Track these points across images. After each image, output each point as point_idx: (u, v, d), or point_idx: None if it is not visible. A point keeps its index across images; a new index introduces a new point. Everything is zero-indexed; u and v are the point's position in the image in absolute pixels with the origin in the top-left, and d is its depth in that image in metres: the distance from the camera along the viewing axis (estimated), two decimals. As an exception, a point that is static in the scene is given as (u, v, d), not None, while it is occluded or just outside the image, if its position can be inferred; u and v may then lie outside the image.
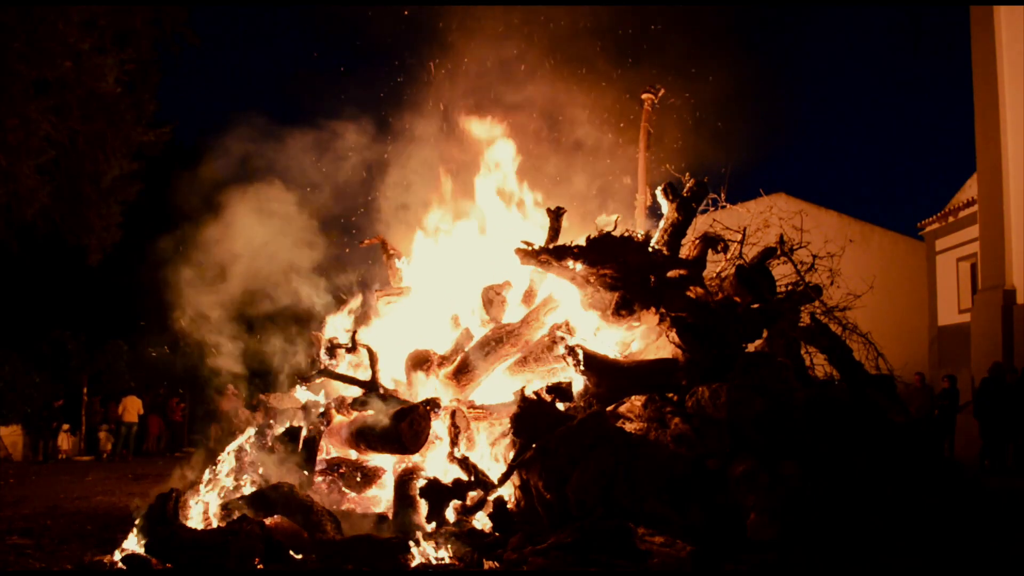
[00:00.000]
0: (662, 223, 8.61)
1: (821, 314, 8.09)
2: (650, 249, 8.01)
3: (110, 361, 21.15)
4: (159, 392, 22.23)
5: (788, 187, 21.87)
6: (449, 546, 5.93)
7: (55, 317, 21.31)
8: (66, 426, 19.80)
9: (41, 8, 14.64)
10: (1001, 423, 13.18)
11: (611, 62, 11.59)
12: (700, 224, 8.79)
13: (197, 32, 18.64)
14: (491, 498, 6.45)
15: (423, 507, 6.41)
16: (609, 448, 6.09)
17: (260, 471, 7.23)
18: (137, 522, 6.47)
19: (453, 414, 7.17)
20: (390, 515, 6.78)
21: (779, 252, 8.39)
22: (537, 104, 10.73)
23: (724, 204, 8.97)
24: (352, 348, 8.19)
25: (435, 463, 7.15)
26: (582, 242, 7.61)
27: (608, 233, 7.62)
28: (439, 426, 7.22)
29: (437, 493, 6.38)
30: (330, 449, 7.93)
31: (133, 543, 6.38)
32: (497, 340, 7.83)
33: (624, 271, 7.53)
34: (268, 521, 6.30)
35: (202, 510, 7.09)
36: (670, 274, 7.98)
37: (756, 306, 7.85)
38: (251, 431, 8.30)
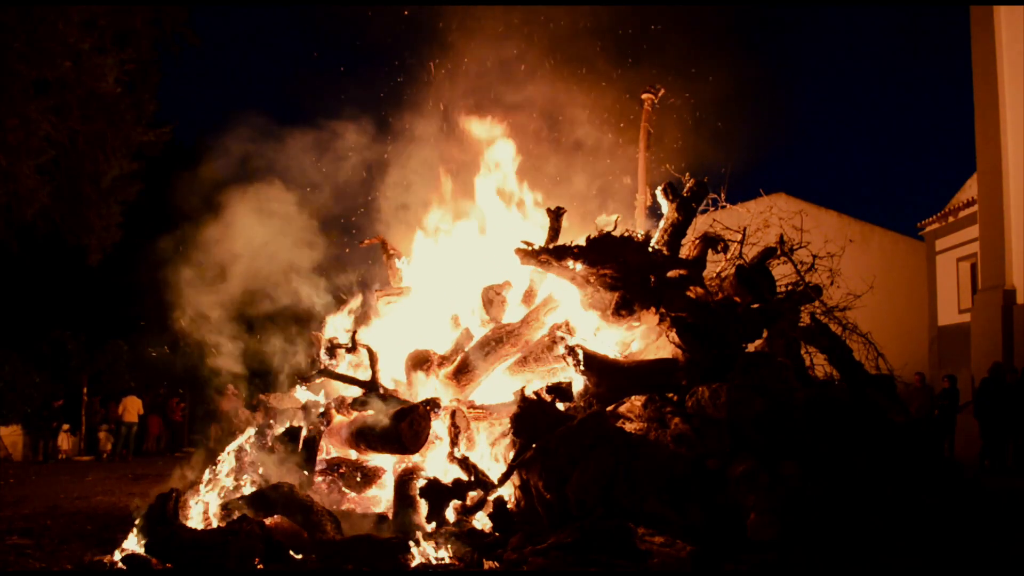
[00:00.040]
0: (662, 223, 8.61)
1: (821, 314, 8.09)
2: (650, 249, 8.01)
3: (110, 361, 21.15)
4: (159, 392, 22.23)
5: (788, 187, 21.90)
6: (449, 546, 5.93)
7: (55, 317, 21.31)
8: (66, 426, 19.80)
9: (41, 8, 14.65)
10: (1001, 423, 13.18)
11: (611, 62, 11.60)
12: (700, 224, 8.79)
13: (197, 32, 18.68)
14: (491, 498, 6.45)
15: (423, 507, 6.41)
16: (609, 448, 6.09)
17: (260, 471, 7.23)
18: (137, 522, 6.47)
19: (453, 414, 7.17)
20: (390, 515, 6.78)
21: (779, 252, 8.39)
22: (537, 104, 10.74)
23: (724, 204, 8.97)
24: (352, 348, 8.19)
25: (435, 463, 7.15)
26: (582, 242, 7.61)
27: (608, 233, 7.62)
28: (439, 426, 7.22)
29: (437, 493, 6.38)
30: (330, 449, 7.93)
31: (133, 543, 6.38)
32: (497, 340, 7.83)
33: (624, 271, 7.53)
34: (268, 521, 6.30)
35: (202, 510, 7.09)
36: (670, 274, 7.98)
37: (756, 306, 7.85)
38: (251, 431, 8.30)
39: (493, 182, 9.82)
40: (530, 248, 7.60)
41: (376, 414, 7.24)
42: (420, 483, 6.58)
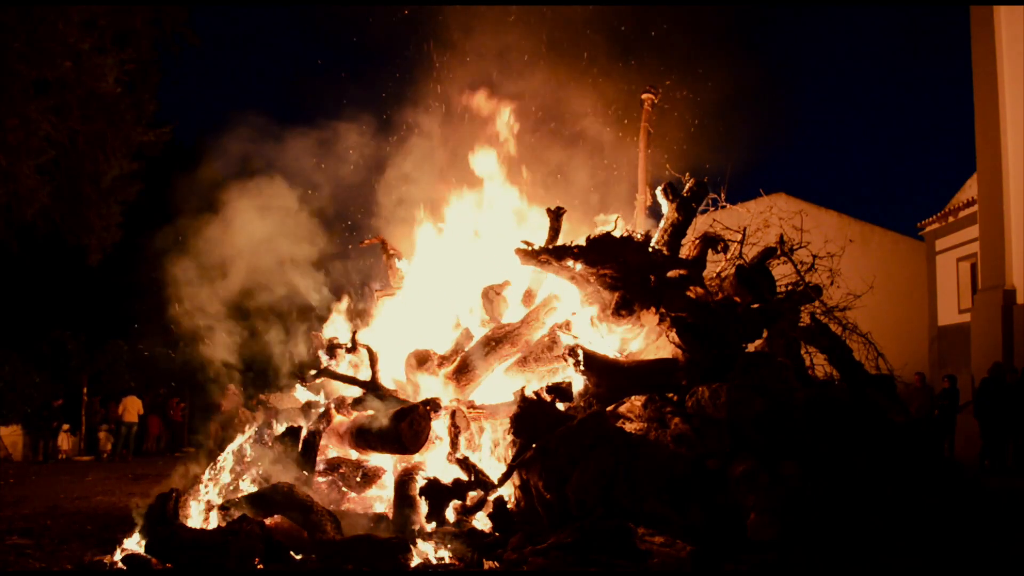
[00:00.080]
0: (662, 223, 8.61)
1: (821, 314, 8.09)
2: (650, 249, 8.01)
3: (110, 361, 21.16)
4: (159, 392, 22.23)
5: (788, 187, 21.90)
6: (449, 546, 5.93)
7: (55, 317, 21.32)
8: (66, 426, 19.81)
9: (41, 8, 14.65)
10: (1001, 423, 13.19)
11: (611, 62, 11.59)
12: (700, 224, 8.79)
13: (197, 32, 18.68)
14: (491, 498, 6.45)
15: (423, 507, 6.41)
16: (609, 448, 6.09)
17: (260, 471, 7.24)
18: (137, 522, 6.47)
19: (453, 414, 7.17)
20: (390, 515, 6.78)
21: (779, 252, 8.39)
22: (537, 104, 10.73)
23: (724, 204, 8.97)
24: (352, 348, 8.19)
25: (435, 463, 7.15)
26: (582, 242, 7.61)
27: (608, 233, 7.62)
28: (439, 426, 7.22)
29: (437, 493, 6.38)
30: (330, 449, 7.93)
31: (133, 543, 6.38)
32: (497, 340, 7.83)
33: (624, 271, 7.54)
34: (268, 521, 6.30)
35: (202, 510, 7.10)
36: (670, 274, 7.98)
37: (756, 306, 7.85)
38: (251, 431, 8.31)
39: (493, 182, 9.82)
40: (530, 248, 7.61)
41: (376, 414, 7.25)
42: (420, 483, 6.58)
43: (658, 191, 8.72)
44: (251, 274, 9.46)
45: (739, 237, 8.56)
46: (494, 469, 6.88)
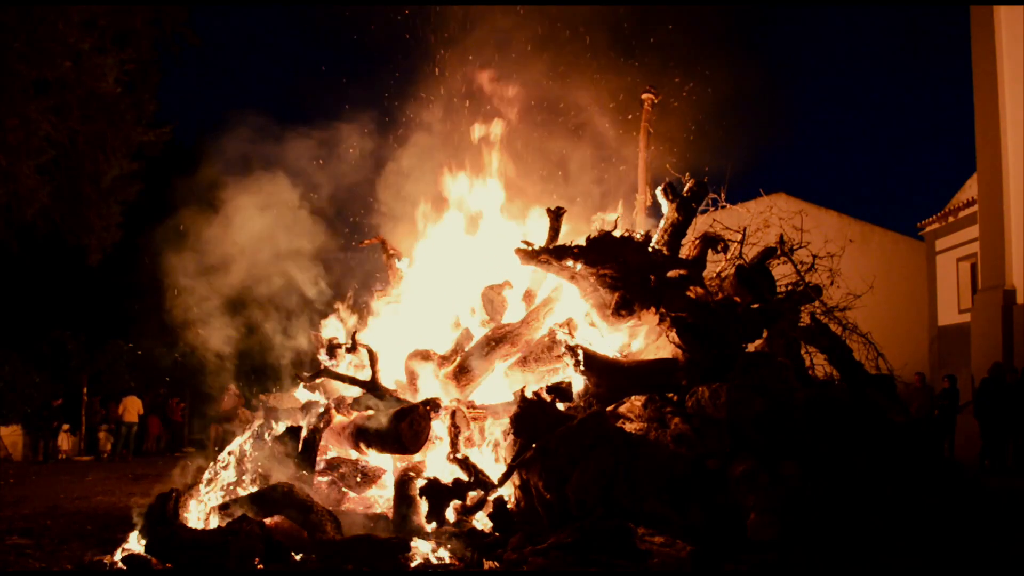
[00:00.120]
0: (662, 223, 8.61)
1: (821, 314, 8.09)
2: (650, 249, 8.00)
3: (110, 361, 21.17)
4: (159, 392, 22.23)
5: (788, 187, 21.89)
6: (449, 546, 5.93)
7: (55, 317, 21.32)
8: (66, 426, 19.81)
9: (41, 8, 14.65)
10: (1001, 423, 13.18)
11: (611, 62, 11.59)
12: (700, 224, 8.79)
13: (197, 32, 18.69)
14: (491, 498, 6.45)
15: (423, 507, 6.41)
16: (609, 448, 6.09)
17: (260, 471, 7.24)
18: (137, 522, 6.47)
19: (453, 414, 7.17)
20: (390, 515, 6.78)
21: (779, 252, 8.39)
22: (537, 104, 10.74)
23: (724, 204, 8.96)
24: (352, 348, 8.19)
25: (435, 463, 7.16)
26: (582, 242, 7.61)
27: (608, 233, 7.62)
28: (439, 426, 7.22)
29: (437, 493, 6.38)
30: (330, 449, 7.93)
31: (133, 543, 6.38)
32: (497, 340, 7.84)
33: (624, 271, 7.53)
34: (268, 521, 6.30)
35: (202, 510, 7.10)
36: (670, 274, 7.98)
37: (756, 306, 7.85)
38: (251, 431, 8.31)
39: (493, 182, 9.82)
40: (530, 248, 7.60)
41: (376, 414, 7.25)
42: (420, 483, 6.57)
43: (658, 191, 8.72)
44: (251, 274, 9.46)
45: (739, 237, 8.56)
46: (494, 469, 6.88)
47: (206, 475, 7.93)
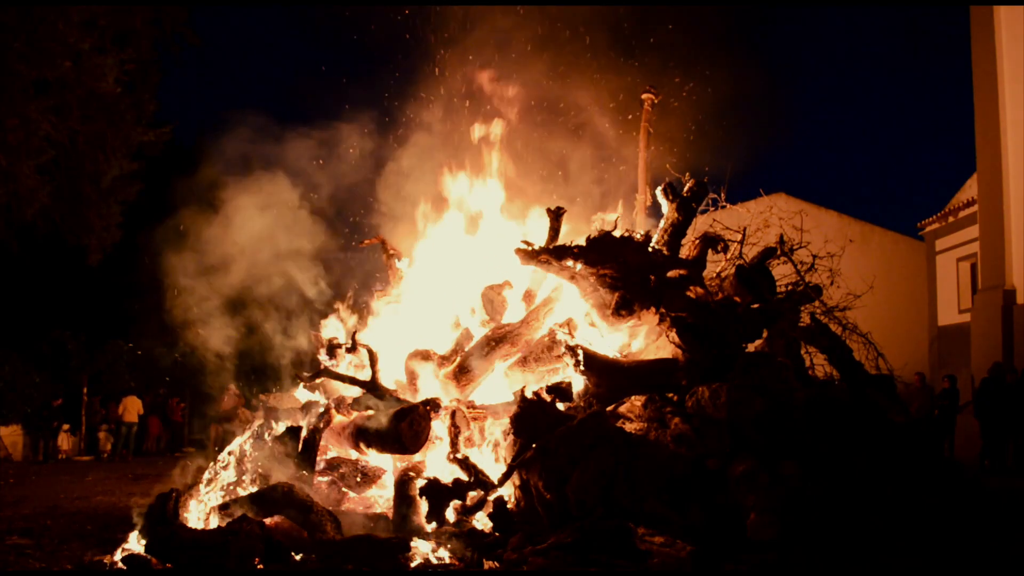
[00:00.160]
0: (662, 223, 8.61)
1: (821, 314, 8.09)
2: (650, 249, 8.00)
3: (110, 361, 21.17)
4: (159, 392, 22.24)
5: (788, 187, 21.89)
6: (449, 546, 5.93)
7: (55, 317, 21.32)
8: (66, 426, 19.81)
9: (41, 8, 14.66)
10: (1001, 423, 13.18)
11: (611, 62, 11.60)
12: (700, 224, 8.79)
13: (197, 32, 18.69)
14: (491, 498, 6.45)
15: (423, 507, 6.41)
16: (609, 448, 6.09)
17: (260, 471, 7.24)
18: (137, 522, 6.47)
19: (453, 414, 7.17)
20: (390, 515, 6.78)
21: (779, 252, 8.39)
22: (537, 104, 10.74)
23: (724, 204, 8.96)
24: (352, 348, 8.19)
25: (435, 463, 7.16)
26: (582, 242, 7.61)
27: (608, 233, 7.62)
28: (439, 426, 7.23)
29: (437, 493, 6.38)
30: (330, 449, 7.93)
31: (133, 543, 6.38)
32: (497, 340, 7.84)
33: (624, 271, 7.53)
34: (268, 521, 6.30)
35: (202, 510, 7.10)
36: (670, 274, 7.98)
37: (756, 306, 7.85)
38: (251, 431, 8.31)
39: (493, 182, 9.82)
40: (530, 248, 7.60)
41: (376, 414, 7.25)
42: (420, 483, 6.57)
43: (658, 191, 8.72)
44: (251, 274, 9.46)
45: (739, 237, 8.56)
46: (494, 469, 6.88)
47: (206, 475, 7.93)
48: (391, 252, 9.73)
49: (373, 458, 7.62)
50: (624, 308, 7.36)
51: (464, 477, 6.59)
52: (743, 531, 5.42)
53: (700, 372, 6.86)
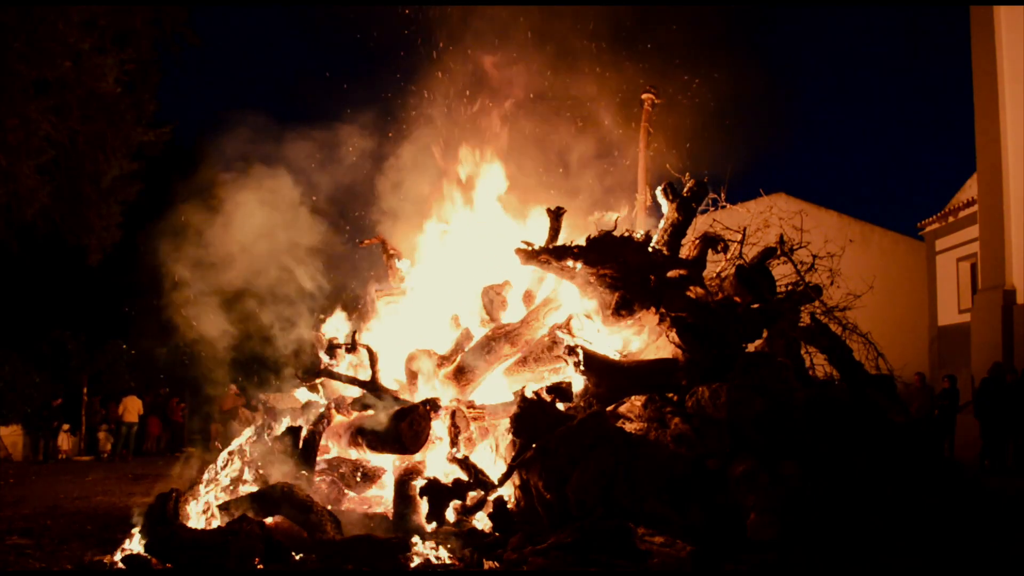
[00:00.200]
0: (662, 223, 8.61)
1: (821, 314, 8.09)
2: (650, 249, 8.01)
3: (110, 361, 21.15)
4: (159, 392, 22.23)
5: (788, 187, 21.89)
6: (449, 546, 5.93)
7: (55, 317, 21.31)
8: (66, 426, 19.80)
9: (41, 8, 14.66)
10: (1001, 423, 13.18)
11: (611, 62, 11.59)
12: (700, 224, 8.79)
13: (197, 32, 18.69)
14: (491, 498, 6.45)
15: (423, 507, 6.41)
16: (609, 448, 6.09)
17: (260, 471, 7.24)
18: (137, 522, 6.47)
19: (453, 414, 7.18)
20: (390, 515, 6.78)
21: (779, 252, 8.39)
22: (537, 104, 10.74)
23: (724, 204, 8.97)
24: (352, 348, 8.20)
25: (435, 463, 7.16)
26: (582, 242, 7.61)
27: (608, 233, 7.63)
28: (439, 426, 7.22)
29: (437, 493, 6.38)
30: (330, 449, 7.93)
31: (133, 543, 6.38)
32: (497, 340, 7.84)
33: (624, 271, 7.54)
34: (268, 521, 6.30)
35: (202, 510, 7.10)
36: (670, 274, 7.98)
37: (756, 306, 7.85)
38: (251, 431, 8.31)
39: (494, 183, 9.82)
40: (530, 248, 7.61)
41: (376, 414, 7.25)
42: (420, 483, 6.58)
43: (658, 191, 8.72)
44: (251, 274, 9.45)
45: (739, 237, 8.56)
46: (494, 469, 6.88)
47: (206, 475, 7.93)
48: (391, 252, 9.73)
49: (373, 458, 7.62)
50: (624, 308, 7.36)
51: (464, 477, 6.59)
52: (743, 531, 5.42)
53: (700, 372, 6.87)
